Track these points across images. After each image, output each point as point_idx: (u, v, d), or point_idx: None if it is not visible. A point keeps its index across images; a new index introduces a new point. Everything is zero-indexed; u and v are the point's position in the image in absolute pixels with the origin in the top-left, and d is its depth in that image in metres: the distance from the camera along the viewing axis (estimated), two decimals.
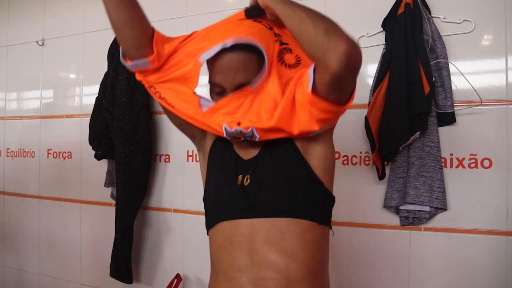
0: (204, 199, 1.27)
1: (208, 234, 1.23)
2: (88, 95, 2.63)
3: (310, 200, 1.11)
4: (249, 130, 1.05)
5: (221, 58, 1.03)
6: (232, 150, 1.20)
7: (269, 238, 1.07)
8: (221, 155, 1.23)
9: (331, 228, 1.17)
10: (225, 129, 1.07)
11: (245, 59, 1.03)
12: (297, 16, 0.95)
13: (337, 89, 0.95)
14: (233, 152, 1.19)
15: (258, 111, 1.06)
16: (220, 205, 1.18)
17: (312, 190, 1.11)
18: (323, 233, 1.14)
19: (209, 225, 1.21)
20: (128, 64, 1.14)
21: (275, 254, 1.06)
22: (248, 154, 1.17)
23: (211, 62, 1.08)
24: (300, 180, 1.11)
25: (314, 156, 1.12)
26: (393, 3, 1.79)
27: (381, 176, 1.77)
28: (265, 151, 1.13)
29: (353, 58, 0.88)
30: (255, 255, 1.08)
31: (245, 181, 1.13)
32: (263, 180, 1.12)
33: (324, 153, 1.14)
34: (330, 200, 1.17)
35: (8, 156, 2.99)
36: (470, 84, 1.67)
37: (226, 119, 1.07)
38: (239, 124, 1.05)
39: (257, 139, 1.07)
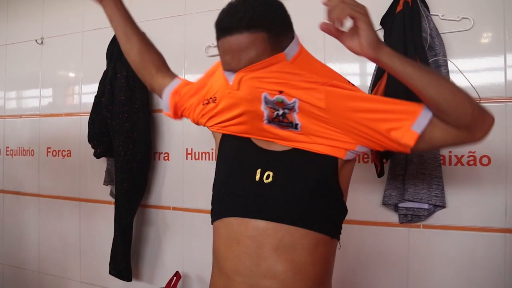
0: (213, 188, 1.21)
1: (212, 224, 1.18)
2: (87, 94, 2.62)
3: (330, 213, 1.08)
4: (292, 101, 1.00)
5: (226, 41, 0.99)
6: (248, 139, 1.14)
7: (280, 247, 1.02)
8: (235, 142, 1.16)
9: (339, 239, 1.14)
10: (265, 98, 1.00)
11: (252, 38, 0.96)
12: (426, 79, 0.92)
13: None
14: (250, 141, 1.13)
15: (302, 87, 1.01)
16: (231, 198, 1.12)
17: (334, 202, 1.08)
18: (333, 246, 1.11)
19: (215, 217, 1.16)
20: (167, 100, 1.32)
21: (284, 264, 1.01)
22: (272, 144, 1.10)
23: (221, 50, 1.04)
24: (327, 190, 1.06)
25: (343, 166, 1.09)
26: (392, 1, 1.79)
27: (380, 174, 1.76)
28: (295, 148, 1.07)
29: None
30: (263, 262, 1.03)
31: (265, 178, 1.06)
32: (288, 182, 1.05)
33: (350, 165, 1.12)
34: (344, 213, 1.14)
35: (8, 155, 2.99)
36: (469, 82, 1.67)
37: (263, 85, 1.00)
38: (281, 92, 1.00)
39: (295, 114, 1.01)
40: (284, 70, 1.01)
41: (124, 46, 1.41)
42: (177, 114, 1.33)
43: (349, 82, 1.09)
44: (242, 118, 1.08)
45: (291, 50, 1.02)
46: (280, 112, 1.03)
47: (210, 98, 1.16)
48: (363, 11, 0.93)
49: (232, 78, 1.03)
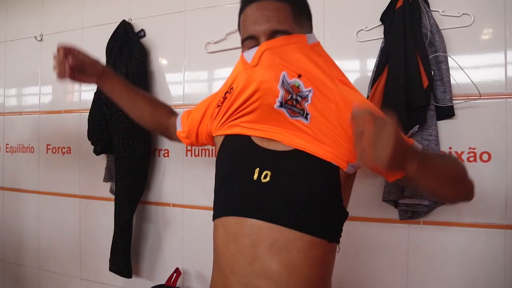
0: (215, 186, 1.20)
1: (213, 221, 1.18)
2: (87, 90, 2.62)
3: (328, 218, 1.06)
4: (308, 89, 1.02)
5: (251, 7, 1.06)
6: (249, 138, 1.13)
7: (274, 247, 1.00)
8: (236, 143, 1.15)
9: (339, 243, 1.12)
10: (284, 77, 1.02)
11: (277, 6, 1.04)
12: (437, 188, 0.98)
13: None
14: (250, 141, 1.12)
15: (321, 80, 1.05)
16: (229, 197, 1.11)
17: (333, 207, 1.06)
18: (331, 248, 1.09)
19: (215, 216, 1.15)
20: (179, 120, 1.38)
21: (278, 265, 1.00)
22: (272, 144, 1.08)
23: (243, 20, 1.11)
24: (326, 195, 1.04)
25: (347, 180, 1.08)
26: None
27: None
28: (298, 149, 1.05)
29: None
30: (256, 262, 1.01)
31: (262, 177, 1.04)
32: (285, 182, 1.03)
33: (353, 178, 1.12)
34: (344, 216, 1.12)
35: (8, 152, 2.99)
36: (469, 78, 1.66)
37: (285, 63, 1.03)
38: (300, 76, 1.03)
39: (307, 104, 1.02)
40: (305, 52, 1.05)
41: (133, 114, 1.47)
42: (191, 133, 1.33)
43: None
44: (256, 95, 1.05)
45: (311, 37, 1.09)
46: (294, 96, 1.03)
47: (227, 92, 1.17)
48: (385, 154, 0.78)
49: (252, 55, 1.05)
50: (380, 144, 0.78)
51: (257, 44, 1.06)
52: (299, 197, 1.02)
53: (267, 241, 1.01)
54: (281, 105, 1.03)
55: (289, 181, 1.03)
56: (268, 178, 1.04)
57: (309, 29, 1.14)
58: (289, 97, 1.03)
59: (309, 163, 1.03)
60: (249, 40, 1.08)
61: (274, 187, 1.03)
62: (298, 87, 1.02)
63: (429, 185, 0.95)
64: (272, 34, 1.04)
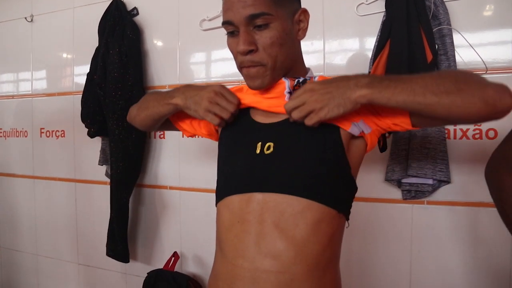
0: (217, 173, 1.17)
1: (216, 206, 1.14)
2: (80, 72, 2.56)
3: (336, 185, 1.01)
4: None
5: None
6: (249, 116, 1.12)
7: (282, 221, 0.97)
8: (236, 127, 1.13)
9: (348, 219, 1.08)
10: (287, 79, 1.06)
11: None
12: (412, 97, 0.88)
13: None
14: (250, 119, 1.11)
15: None
16: (232, 177, 1.09)
17: (340, 174, 1.02)
18: (339, 224, 1.04)
19: (217, 199, 1.12)
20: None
21: (285, 243, 0.96)
22: (271, 117, 1.07)
23: (223, 4, 1.04)
24: (331, 158, 1.00)
25: (351, 141, 1.04)
26: None
27: (383, 148, 1.70)
28: None
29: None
30: (263, 240, 0.97)
31: (265, 149, 1.02)
32: (289, 149, 1.01)
33: (360, 144, 1.06)
34: (353, 188, 1.07)
35: (1, 136, 2.95)
36: (476, 52, 1.60)
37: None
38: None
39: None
40: None
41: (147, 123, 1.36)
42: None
43: None
44: None
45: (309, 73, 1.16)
46: (301, 79, 1.05)
47: None
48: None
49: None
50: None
51: (236, 29, 1.02)
52: (303, 162, 1.00)
53: (274, 214, 0.98)
54: (290, 93, 1.03)
55: (292, 148, 1.02)
56: (271, 149, 1.02)
57: (295, 6, 1.07)
58: (296, 82, 1.04)
59: (309, 127, 0.98)
60: (226, 25, 1.04)
61: (278, 156, 1.01)
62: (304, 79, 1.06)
63: (408, 103, 0.88)
64: (249, 20, 0.98)
